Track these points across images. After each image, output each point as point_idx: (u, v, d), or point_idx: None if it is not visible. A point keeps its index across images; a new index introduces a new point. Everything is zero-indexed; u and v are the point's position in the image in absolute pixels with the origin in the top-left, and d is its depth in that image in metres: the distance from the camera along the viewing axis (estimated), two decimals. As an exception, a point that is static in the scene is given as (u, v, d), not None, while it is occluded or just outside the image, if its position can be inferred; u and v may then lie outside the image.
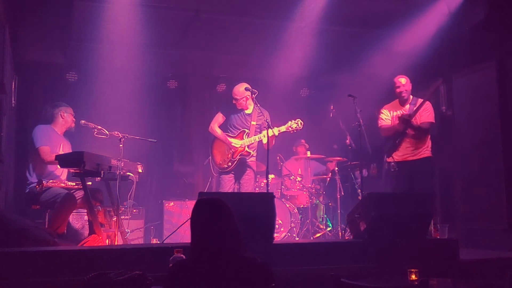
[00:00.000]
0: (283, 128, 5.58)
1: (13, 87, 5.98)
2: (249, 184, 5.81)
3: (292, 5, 6.06)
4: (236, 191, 5.77)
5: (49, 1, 5.84)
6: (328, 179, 7.04)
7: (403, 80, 5.61)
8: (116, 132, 5.18)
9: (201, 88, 8.39)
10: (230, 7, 6.24)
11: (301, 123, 5.58)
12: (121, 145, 5.07)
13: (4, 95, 4.99)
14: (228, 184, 5.75)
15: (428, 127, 5.52)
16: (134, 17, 5.96)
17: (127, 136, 5.23)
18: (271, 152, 5.51)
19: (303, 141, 7.74)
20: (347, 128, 6.25)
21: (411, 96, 5.64)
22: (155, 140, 5.77)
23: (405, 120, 5.47)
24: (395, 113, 5.64)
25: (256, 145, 5.82)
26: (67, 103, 7.22)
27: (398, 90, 5.62)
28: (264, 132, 5.52)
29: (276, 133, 5.53)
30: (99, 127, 5.18)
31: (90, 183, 5.04)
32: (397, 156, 5.60)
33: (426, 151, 5.51)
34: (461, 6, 5.87)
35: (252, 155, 5.76)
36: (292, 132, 5.62)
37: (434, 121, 5.56)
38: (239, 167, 5.76)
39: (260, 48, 7.33)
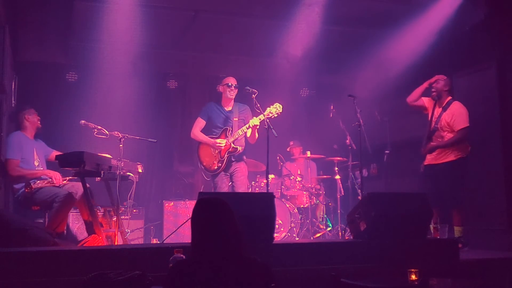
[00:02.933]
0: (262, 117, 5.41)
1: (13, 87, 5.99)
2: (242, 183, 5.71)
3: (292, 5, 6.06)
4: (231, 191, 5.69)
5: (49, 1, 5.85)
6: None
7: (439, 77, 5.53)
8: (116, 132, 5.18)
9: (201, 88, 8.39)
10: (230, 7, 6.24)
11: (279, 106, 5.44)
12: (121, 145, 5.08)
13: (4, 95, 4.99)
14: (223, 186, 5.65)
15: (460, 136, 5.33)
16: (134, 17, 5.96)
17: (127, 136, 5.23)
18: (271, 152, 5.48)
19: (291, 143, 7.74)
20: (347, 128, 6.24)
21: (448, 98, 5.49)
22: (155, 140, 5.77)
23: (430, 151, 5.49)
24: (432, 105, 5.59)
25: (242, 141, 5.71)
26: (67, 103, 7.25)
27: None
28: (250, 123, 5.46)
29: (257, 123, 5.43)
30: (99, 127, 5.19)
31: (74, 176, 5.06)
32: (426, 159, 5.56)
33: (451, 155, 5.36)
34: (461, 6, 5.86)
35: (239, 151, 5.65)
36: (273, 117, 5.45)
37: (467, 125, 5.33)
38: (230, 167, 5.68)
39: (260, 48, 7.34)
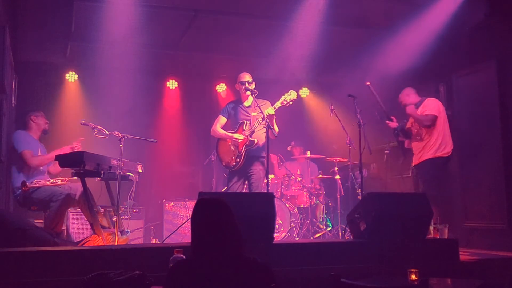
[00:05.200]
0: (278, 104, 5.36)
1: (13, 87, 5.98)
2: (258, 185, 5.52)
3: (292, 5, 6.05)
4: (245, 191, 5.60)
5: (49, 1, 5.84)
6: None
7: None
8: (116, 132, 5.18)
9: (201, 88, 8.40)
10: (230, 7, 6.23)
11: (294, 93, 5.37)
12: (121, 145, 5.08)
13: (4, 95, 4.99)
14: (236, 187, 5.54)
15: (424, 118, 5.61)
16: (134, 17, 5.95)
17: (127, 136, 5.23)
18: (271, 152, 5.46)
19: (293, 143, 7.74)
20: (347, 128, 6.24)
21: (419, 99, 5.83)
22: (155, 140, 5.77)
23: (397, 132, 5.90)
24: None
25: (262, 135, 5.47)
26: (67, 103, 7.24)
27: None
28: (265, 112, 5.29)
29: (273, 112, 5.33)
30: (99, 127, 5.19)
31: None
32: (413, 160, 5.81)
33: (425, 154, 5.55)
34: (461, 6, 5.86)
35: (257, 143, 5.48)
36: (288, 104, 5.39)
37: (434, 113, 5.60)
38: (247, 166, 5.51)
39: (260, 48, 7.33)
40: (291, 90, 5.42)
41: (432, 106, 5.68)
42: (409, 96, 5.88)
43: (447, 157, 5.54)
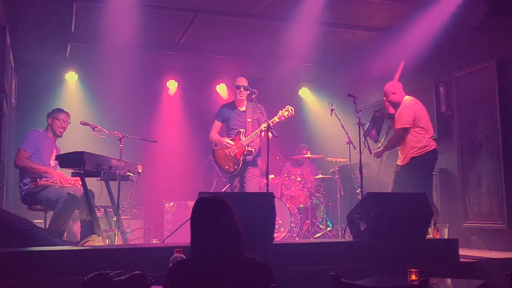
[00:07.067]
0: (275, 119, 5.48)
1: (13, 87, 5.99)
2: (254, 183, 5.71)
3: (292, 5, 6.06)
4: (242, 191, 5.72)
5: (49, 1, 5.85)
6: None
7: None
8: (116, 132, 5.18)
9: (201, 88, 8.41)
10: (230, 7, 6.24)
11: (291, 109, 5.47)
12: (121, 145, 5.08)
13: (4, 95, 4.99)
14: (236, 187, 5.72)
15: (395, 135, 5.54)
16: (134, 17, 5.96)
17: (127, 136, 5.23)
18: (271, 153, 5.48)
19: (304, 151, 7.69)
20: (347, 128, 6.24)
21: (401, 99, 5.60)
22: (155, 140, 5.77)
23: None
24: None
25: (257, 142, 5.73)
26: (67, 103, 7.25)
27: None
28: (262, 126, 5.47)
29: (271, 125, 5.40)
30: (99, 127, 5.19)
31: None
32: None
33: (405, 158, 5.46)
34: (461, 6, 5.86)
35: (254, 153, 5.67)
36: (285, 120, 5.50)
37: (405, 126, 5.41)
38: (244, 167, 5.72)
39: (260, 48, 7.34)
40: (288, 106, 5.50)
41: (404, 116, 5.46)
42: (395, 94, 5.62)
43: (422, 155, 5.44)
